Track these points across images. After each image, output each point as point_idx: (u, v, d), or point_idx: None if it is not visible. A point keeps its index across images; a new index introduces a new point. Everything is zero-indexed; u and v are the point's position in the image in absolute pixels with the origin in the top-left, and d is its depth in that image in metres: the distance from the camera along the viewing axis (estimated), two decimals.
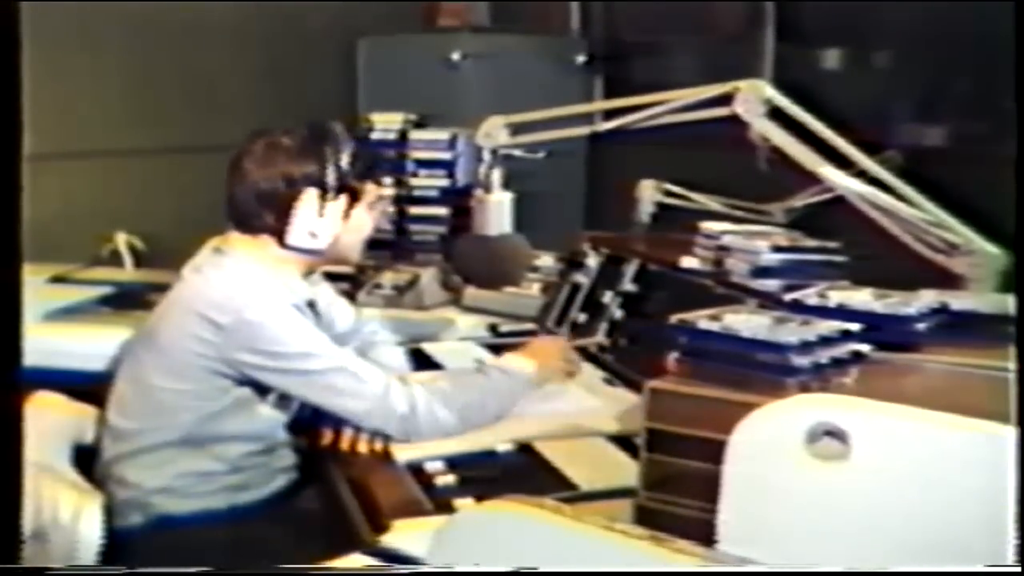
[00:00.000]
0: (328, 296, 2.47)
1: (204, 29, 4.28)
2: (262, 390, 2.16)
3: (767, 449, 1.45)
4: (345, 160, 2.19)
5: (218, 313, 2.08)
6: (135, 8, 4.06)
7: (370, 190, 2.27)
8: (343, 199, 2.21)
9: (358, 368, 2.18)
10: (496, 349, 2.90)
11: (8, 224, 1.20)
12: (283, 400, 2.20)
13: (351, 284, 3.52)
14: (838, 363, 1.76)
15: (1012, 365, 1.47)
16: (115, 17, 4.07)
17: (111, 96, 4.19)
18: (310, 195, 2.17)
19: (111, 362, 2.36)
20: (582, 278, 3.04)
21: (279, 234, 2.18)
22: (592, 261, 3.04)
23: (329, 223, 2.20)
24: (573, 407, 2.42)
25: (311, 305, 2.25)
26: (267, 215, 2.18)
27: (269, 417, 2.20)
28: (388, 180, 3.73)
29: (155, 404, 2.15)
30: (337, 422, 2.21)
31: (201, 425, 2.14)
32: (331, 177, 2.17)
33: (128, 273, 3.89)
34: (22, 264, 1.22)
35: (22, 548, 1.33)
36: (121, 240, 4.11)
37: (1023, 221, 1.41)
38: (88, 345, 2.54)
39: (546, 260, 3.28)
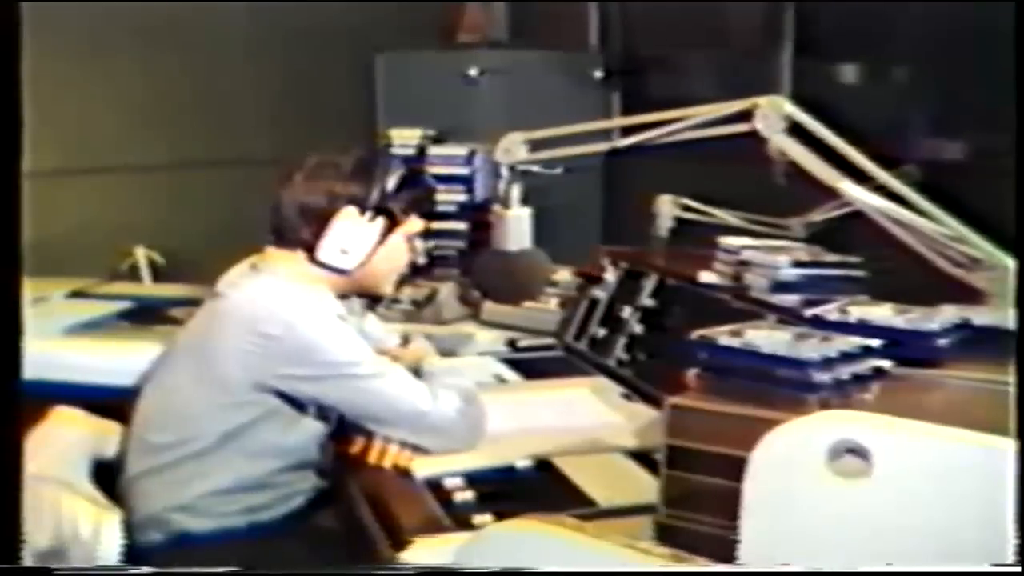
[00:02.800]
0: (372, 325, 2.51)
1: (223, 44, 4.30)
2: (301, 404, 2.16)
3: (788, 466, 1.44)
4: (391, 185, 2.20)
5: (268, 325, 2.08)
6: (152, 21, 4.08)
7: (413, 222, 2.27)
8: (381, 222, 2.21)
9: (404, 374, 2.20)
10: (515, 364, 2.91)
11: (8, 239, 1.20)
12: (323, 413, 2.19)
13: (370, 298, 3.52)
14: (859, 379, 1.75)
15: (1012, 378, 1.44)
16: (133, 32, 4.09)
17: (129, 111, 4.21)
18: (349, 211, 2.17)
19: (138, 377, 2.36)
20: (601, 293, 3.03)
21: (311, 249, 2.18)
22: (611, 276, 3.03)
23: (362, 243, 2.20)
24: (592, 422, 2.41)
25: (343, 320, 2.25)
26: (304, 229, 2.19)
27: (306, 431, 2.20)
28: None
29: (188, 416, 2.15)
30: (369, 433, 2.20)
31: (232, 437, 2.13)
32: (373, 199, 2.18)
33: (147, 287, 3.91)
34: (22, 275, 1.21)
35: (22, 548, 1.33)
36: (140, 254, 4.13)
37: (1023, 225, 1.42)
38: (109, 360, 2.54)
39: (565, 275, 3.26)
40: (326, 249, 2.18)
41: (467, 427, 2.21)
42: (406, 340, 2.59)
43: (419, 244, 2.36)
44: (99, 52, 4.03)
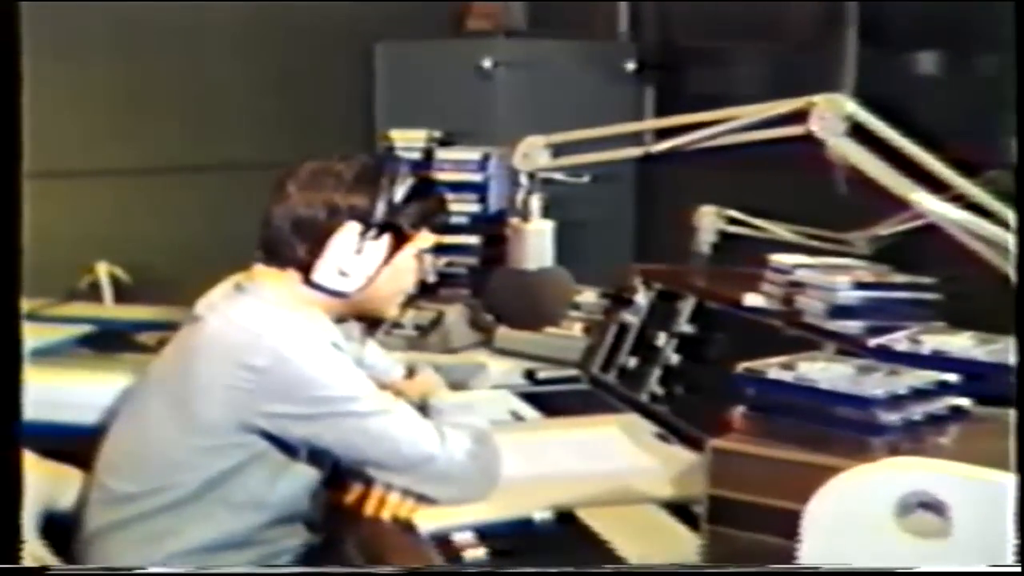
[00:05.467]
0: (374, 354, 2.50)
1: (199, 33, 4.31)
2: (291, 447, 2.15)
3: (850, 522, 1.44)
4: (399, 198, 2.19)
5: (253, 356, 2.07)
6: (121, 9, 4.08)
7: (423, 237, 2.26)
8: (386, 240, 2.20)
9: (408, 412, 2.19)
10: (533, 399, 2.90)
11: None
12: (315, 458, 2.18)
13: (367, 323, 3.51)
14: (934, 420, 1.75)
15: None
16: (98, 19, 4.09)
17: (92, 108, 4.21)
18: (350, 228, 2.16)
19: (102, 414, 2.35)
20: (631, 317, 3.03)
21: (307, 269, 2.17)
22: (643, 298, 3.03)
23: (364, 264, 2.18)
24: (621, 467, 2.40)
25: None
26: (299, 246, 2.17)
27: (296, 478, 2.19)
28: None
29: (160, 461, 2.14)
30: (367, 479, 2.19)
31: (212, 486, 2.12)
32: (378, 213, 2.17)
33: (111, 308, 3.90)
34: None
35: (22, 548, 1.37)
36: (102, 270, 4.12)
37: None
38: (66, 393, 2.53)
39: (590, 297, 3.26)
40: (323, 270, 2.17)
41: (479, 473, 2.19)
42: (411, 371, 2.58)
43: (429, 259, 2.35)
44: (57, 41, 4.04)
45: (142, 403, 2.22)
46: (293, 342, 2.10)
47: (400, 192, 2.19)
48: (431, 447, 2.14)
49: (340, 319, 2.27)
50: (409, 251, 2.25)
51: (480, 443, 2.21)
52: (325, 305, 2.21)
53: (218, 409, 2.09)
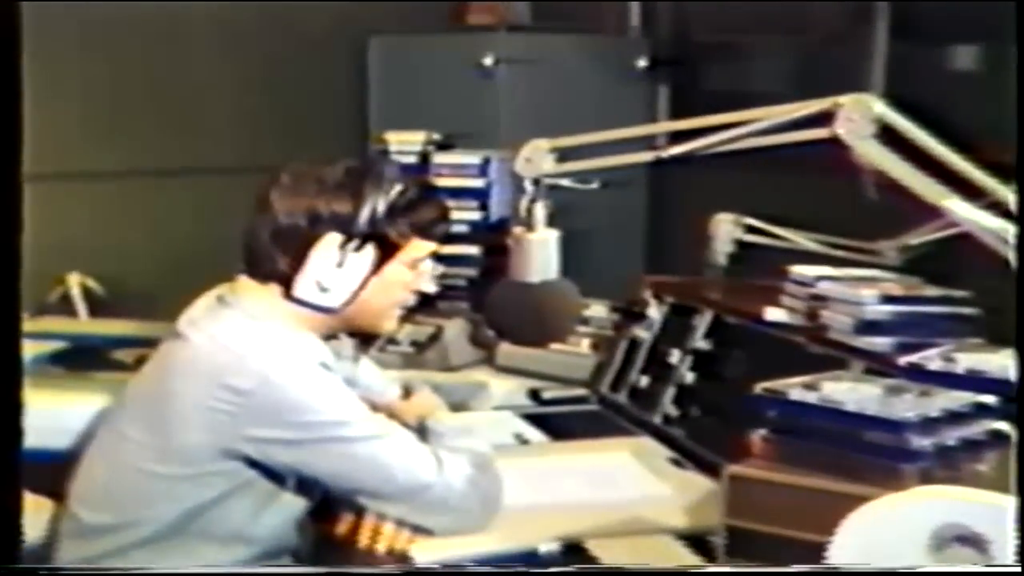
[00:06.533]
0: (368, 373, 2.51)
1: (179, 26, 4.31)
2: (278, 475, 2.14)
3: (879, 556, 1.43)
4: (384, 205, 2.17)
5: (237, 377, 2.06)
6: (100, 9, 4.08)
7: (418, 244, 2.25)
8: (371, 250, 2.18)
9: (403, 436, 2.18)
10: (538, 420, 2.89)
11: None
12: (304, 486, 2.18)
13: (359, 339, 3.50)
14: (970, 446, 1.75)
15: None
16: (69, 13, 4.09)
17: (64, 108, 4.20)
18: (330, 240, 2.15)
19: (75, 438, 2.34)
20: (643, 333, 3.03)
21: (288, 283, 2.17)
22: (655, 312, 3.03)
23: (347, 277, 2.17)
24: (633, 495, 2.40)
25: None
26: (280, 258, 2.16)
27: (283, 508, 2.18)
28: None
29: (137, 491, 2.13)
30: (359, 509, 2.19)
31: (193, 518, 2.12)
32: (362, 221, 2.15)
33: (84, 323, 3.90)
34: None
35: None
36: (74, 282, 4.12)
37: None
38: (36, 417, 2.50)
39: (599, 311, 3.27)
40: (304, 285, 2.16)
41: (479, 501, 2.18)
42: (408, 391, 2.57)
43: (430, 267, 2.33)
44: (31, 39, 4.04)
45: (117, 427, 2.20)
46: (280, 363, 2.09)
47: (389, 198, 2.18)
48: (427, 474, 2.14)
49: (331, 335, 2.27)
50: (400, 262, 2.24)
51: (480, 469, 2.21)
52: (313, 321, 2.20)
53: (199, 434, 2.07)
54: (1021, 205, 1.38)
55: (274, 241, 2.15)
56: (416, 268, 2.27)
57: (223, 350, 2.11)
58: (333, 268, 2.15)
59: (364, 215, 2.15)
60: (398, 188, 2.19)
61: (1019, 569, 1.32)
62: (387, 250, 2.20)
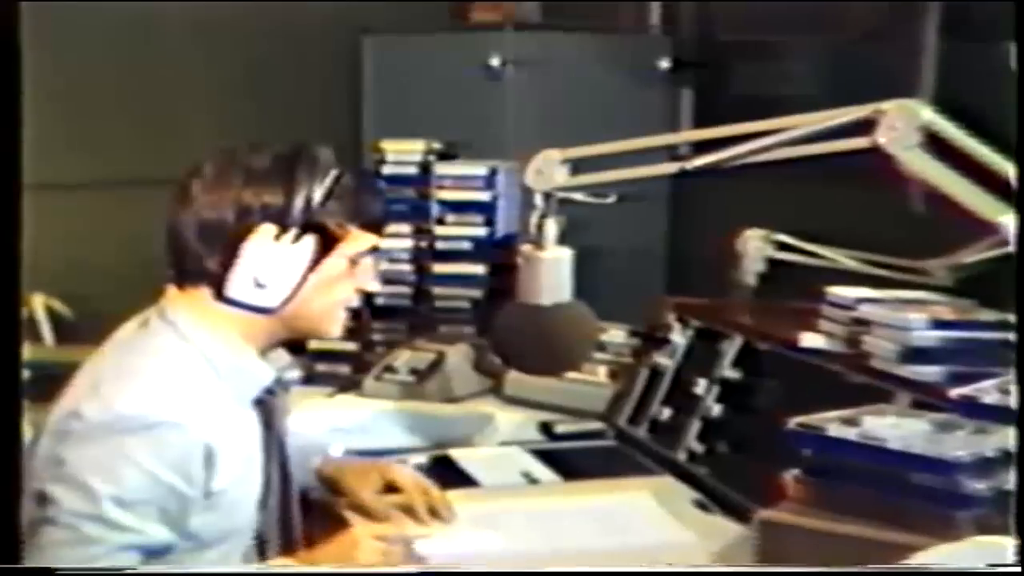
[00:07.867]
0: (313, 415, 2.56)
1: (152, 23, 4.31)
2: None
3: None
4: (320, 192, 2.16)
5: (87, 402, 2.11)
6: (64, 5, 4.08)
7: (358, 236, 2.23)
8: (310, 242, 2.16)
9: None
10: (550, 457, 2.88)
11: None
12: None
13: (353, 366, 3.49)
14: None
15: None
16: (44, 11, 4.09)
17: (27, 112, 4.20)
18: (264, 231, 2.13)
19: None
20: (666, 360, 3.04)
21: (219, 283, 2.15)
22: (679, 337, 3.04)
23: (284, 272, 2.16)
24: (653, 541, 2.40)
25: (271, 393, 2.23)
26: (208, 257, 2.14)
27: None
28: (404, 227, 3.75)
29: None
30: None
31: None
32: (296, 211, 2.14)
33: (49, 349, 3.90)
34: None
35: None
36: (38, 303, 4.12)
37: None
38: None
39: (617, 336, 3.27)
40: (237, 282, 2.14)
41: None
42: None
43: (371, 263, 2.31)
44: None
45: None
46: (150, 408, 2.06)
47: (324, 185, 2.16)
48: None
49: (274, 343, 2.25)
50: (341, 255, 2.21)
51: None
52: (252, 327, 2.19)
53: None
54: (1021, 205, 1.36)
55: (200, 238, 2.14)
56: (358, 263, 2.26)
57: (112, 391, 2.11)
58: (269, 262, 2.14)
59: (298, 205, 2.14)
60: (333, 174, 2.18)
61: (1019, 569, 1.35)
62: (326, 243, 2.18)
